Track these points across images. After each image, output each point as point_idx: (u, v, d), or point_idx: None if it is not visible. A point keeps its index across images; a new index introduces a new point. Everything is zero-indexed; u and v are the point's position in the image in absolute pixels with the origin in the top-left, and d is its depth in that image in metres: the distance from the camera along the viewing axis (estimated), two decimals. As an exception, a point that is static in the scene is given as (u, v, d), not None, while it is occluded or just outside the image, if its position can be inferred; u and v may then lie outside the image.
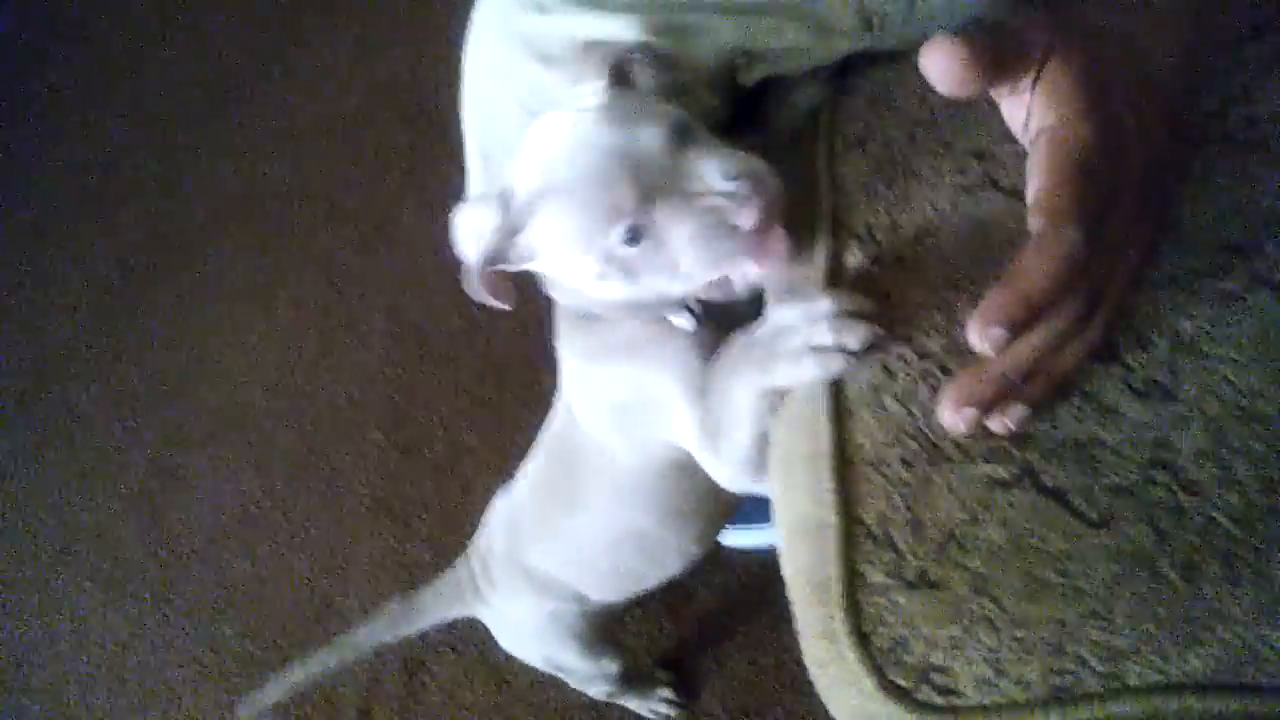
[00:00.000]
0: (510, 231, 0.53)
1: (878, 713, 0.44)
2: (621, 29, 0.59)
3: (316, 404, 1.40)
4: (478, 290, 0.53)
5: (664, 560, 0.77)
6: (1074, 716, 0.41)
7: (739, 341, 0.55)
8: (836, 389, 0.50)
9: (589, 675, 0.96)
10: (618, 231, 0.50)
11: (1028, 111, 0.45)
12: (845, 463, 0.48)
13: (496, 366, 1.31)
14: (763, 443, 0.55)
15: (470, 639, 1.14)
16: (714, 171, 0.49)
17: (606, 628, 0.90)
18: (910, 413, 0.47)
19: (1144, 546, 0.41)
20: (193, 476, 1.39)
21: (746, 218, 0.48)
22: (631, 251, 0.50)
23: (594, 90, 0.53)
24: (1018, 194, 0.50)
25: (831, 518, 0.47)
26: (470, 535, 0.85)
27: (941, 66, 0.41)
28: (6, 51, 2.08)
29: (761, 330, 0.53)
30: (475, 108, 0.71)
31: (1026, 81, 0.45)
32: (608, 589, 0.80)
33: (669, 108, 0.52)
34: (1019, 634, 0.42)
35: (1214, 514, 0.41)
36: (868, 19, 0.56)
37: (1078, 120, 0.43)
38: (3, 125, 1.94)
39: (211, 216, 1.67)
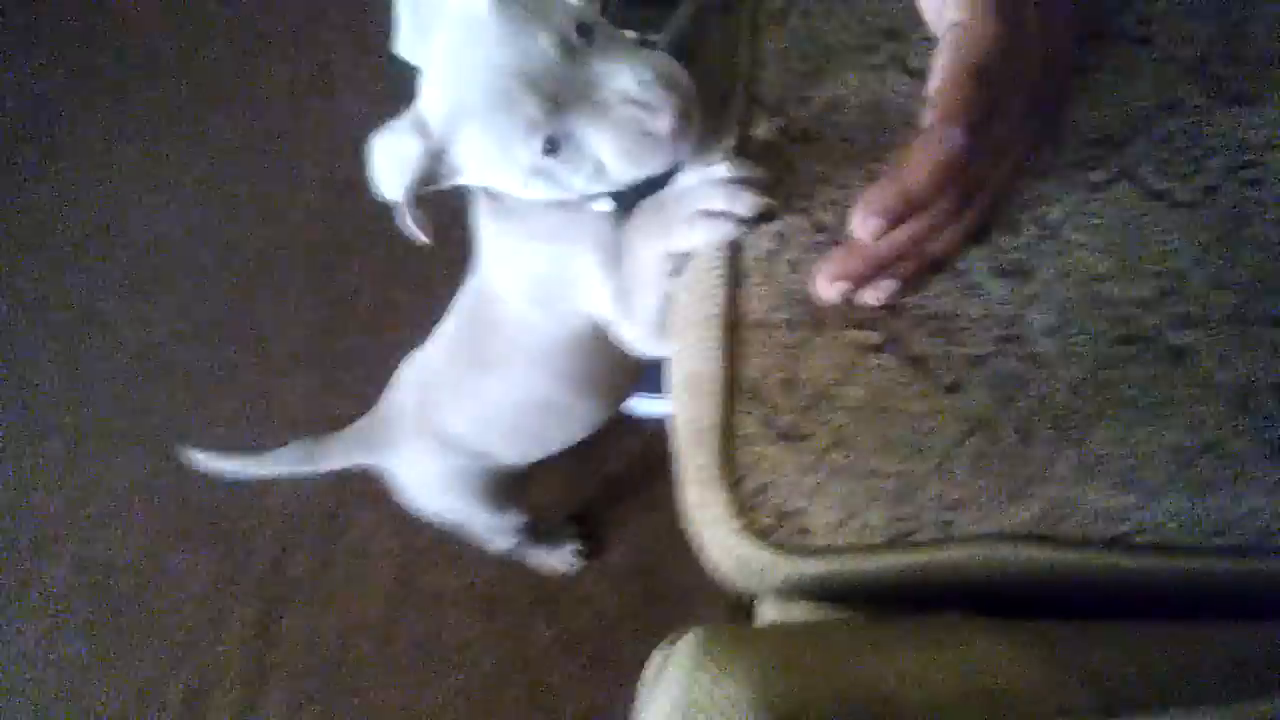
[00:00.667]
0: (435, 155, 0.53)
1: (743, 551, 0.49)
2: None
3: (244, 251, 1.39)
4: (408, 224, 0.54)
5: (570, 426, 0.80)
6: (912, 558, 0.46)
7: (646, 205, 0.56)
8: (733, 255, 0.52)
9: (494, 528, 1.00)
10: (534, 145, 0.51)
11: (942, 2, 0.46)
12: (734, 324, 0.51)
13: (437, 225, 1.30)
14: (667, 305, 0.58)
15: (386, 493, 1.18)
16: (624, 77, 0.50)
17: (513, 484, 0.93)
18: (799, 280, 0.50)
19: (987, 411, 0.45)
20: (115, 323, 1.38)
21: (663, 124, 0.50)
22: (552, 160, 0.51)
23: None
24: (923, 76, 0.52)
25: (717, 374, 0.50)
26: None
27: None
28: None
29: (666, 193, 0.55)
30: None
31: None
32: (515, 450, 0.83)
33: (567, 2, 0.52)
34: (870, 483, 0.46)
35: (1053, 385, 0.45)
36: None
37: (984, 17, 0.44)
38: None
39: (136, 50, 1.59)
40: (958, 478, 0.45)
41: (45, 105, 1.60)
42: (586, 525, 1.14)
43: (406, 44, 0.74)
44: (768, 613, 0.60)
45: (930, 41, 0.51)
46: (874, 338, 0.48)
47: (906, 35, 0.53)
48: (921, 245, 0.47)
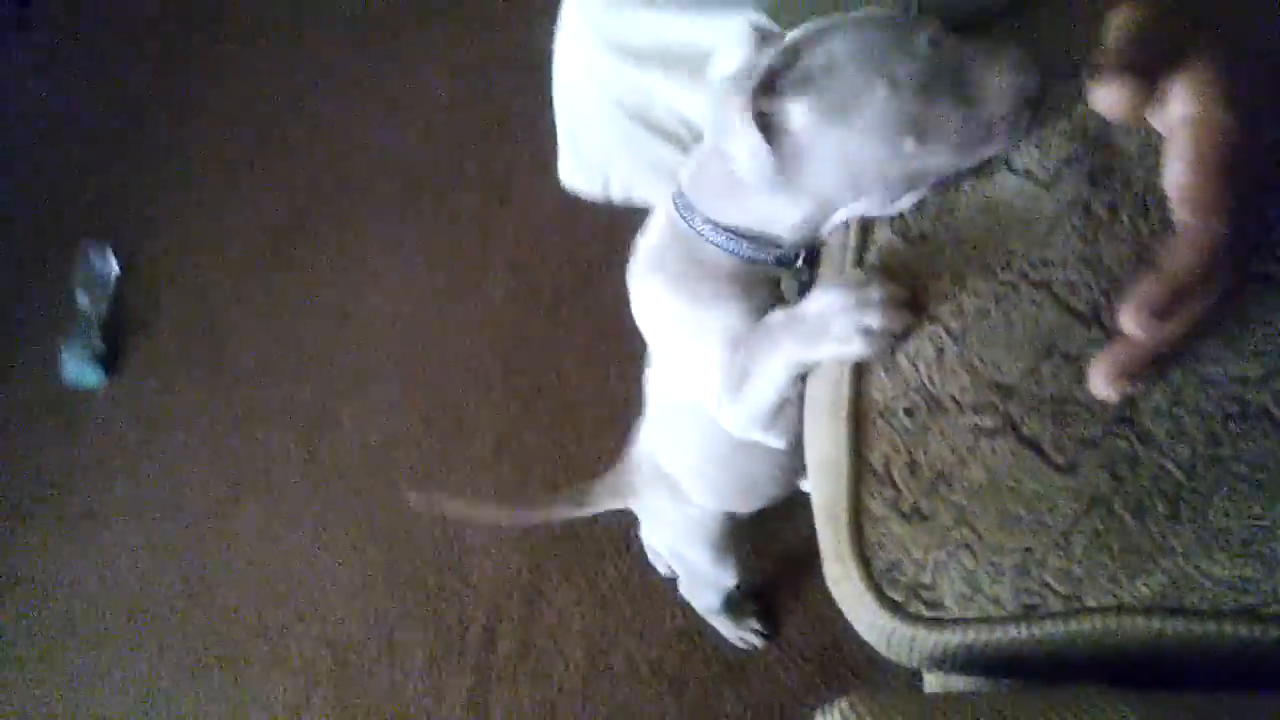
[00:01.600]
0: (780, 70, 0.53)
1: (883, 624, 0.53)
2: (711, 31, 0.65)
3: (444, 354, 1.55)
4: (746, 124, 0.53)
5: (758, 478, 0.85)
6: (1040, 630, 0.49)
7: (782, 316, 0.61)
8: None
9: (707, 579, 1.07)
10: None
11: (1166, 98, 0.46)
12: (860, 412, 0.56)
13: (605, 318, 1.42)
14: (780, 405, 0.63)
15: (583, 569, 1.27)
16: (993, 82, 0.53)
17: (733, 540, 1.00)
18: (917, 369, 0.55)
19: (1102, 490, 0.48)
20: (345, 421, 1.57)
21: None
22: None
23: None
24: (1029, 174, 0.56)
25: (844, 458, 0.55)
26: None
27: (1110, 101, 0.45)
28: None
29: (808, 308, 0.59)
30: (564, 95, 0.80)
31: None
32: (723, 499, 0.91)
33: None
34: (993, 559, 0.50)
35: (1164, 463, 0.47)
36: None
37: (1221, 110, 0.44)
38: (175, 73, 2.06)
39: (355, 181, 1.83)
40: (1077, 554, 0.48)
41: (302, 220, 1.84)
42: (764, 601, 1.18)
43: (567, 172, 0.85)
44: (931, 683, 0.63)
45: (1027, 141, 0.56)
46: (989, 422, 0.51)
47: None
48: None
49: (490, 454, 1.44)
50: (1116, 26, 0.46)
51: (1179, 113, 0.45)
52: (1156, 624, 0.47)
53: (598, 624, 1.27)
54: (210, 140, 1.88)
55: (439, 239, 1.64)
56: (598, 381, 1.39)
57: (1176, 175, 0.45)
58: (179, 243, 1.79)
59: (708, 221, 0.63)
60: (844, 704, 0.48)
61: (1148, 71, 0.45)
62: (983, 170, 0.58)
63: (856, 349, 0.56)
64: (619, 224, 0.71)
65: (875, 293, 0.56)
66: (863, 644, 0.57)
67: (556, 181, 0.66)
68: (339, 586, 1.45)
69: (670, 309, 0.67)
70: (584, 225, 1.50)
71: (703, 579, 1.07)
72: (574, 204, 0.65)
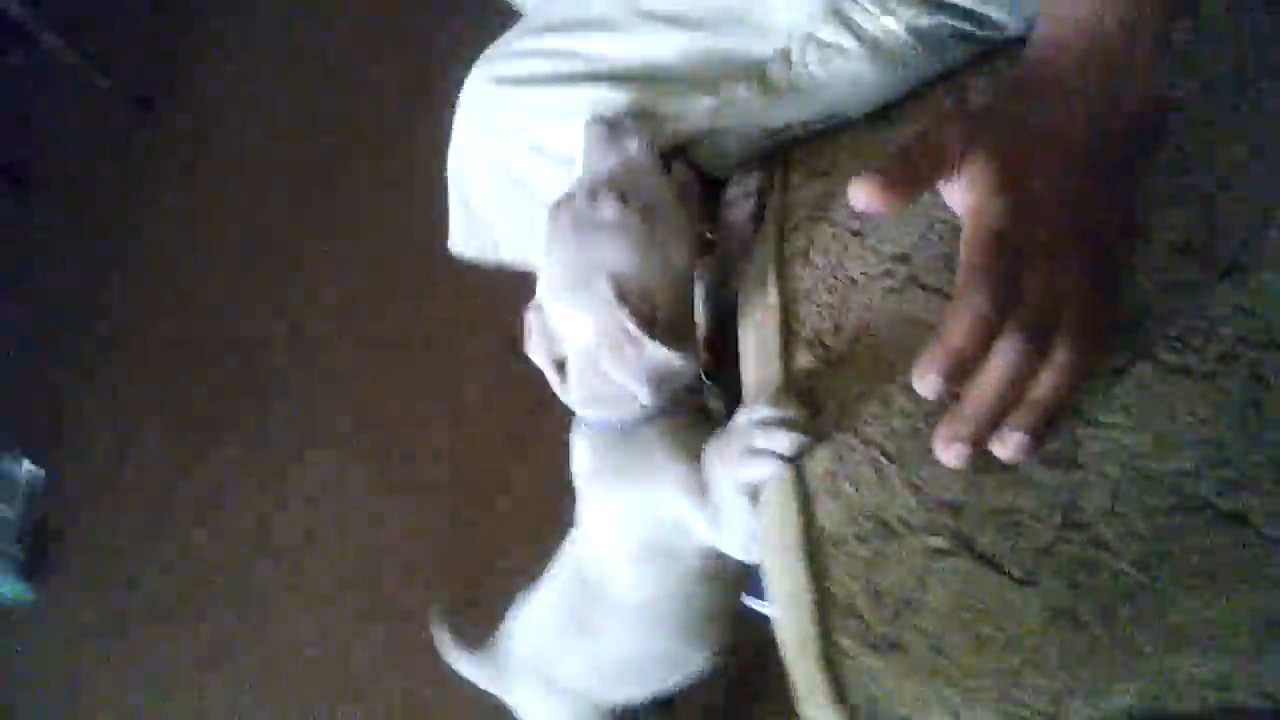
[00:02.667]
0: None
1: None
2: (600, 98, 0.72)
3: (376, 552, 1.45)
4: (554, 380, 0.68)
5: (685, 666, 0.83)
6: (1027, 751, 0.48)
7: (715, 439, 0.63)
8: (799, 478, 0.57)
9: None
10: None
11: (959, 195, 0.52)
12: (813, 543, 0.55)
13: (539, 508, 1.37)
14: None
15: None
16: None
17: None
18: (860, 494, 0.54)
19: (1065, 598, 0.48)
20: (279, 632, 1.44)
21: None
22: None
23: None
24: (938, 291, 0.58)
25: (806, 593, 0.54)
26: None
27: (866, 199, 0.50)
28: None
29: (730, 427, 0.61)
30: (456, 164, 0.84)
31: (954, 171, 0.51)
32: (621, 694, 0.87)
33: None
34: (970, 684, 0.48)
35: (1119, 564, 0.47)
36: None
37: (990, 197, 0.50)
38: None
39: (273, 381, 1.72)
40: (1052, 667, 0.47)
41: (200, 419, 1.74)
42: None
43: (458, 241, 0.88)
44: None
45: (937, 259, 0.57)
46: (941, 542, 0.51)
47: (915, 258, 0.59)
48: (1019, 394, 0.49)
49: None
50: (899, 145, 0.51)
51: (960, 205, 0.52)
52: (1146, 732, 0.46)
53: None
54: (127, 341, 1.82)
55: (364, 431, 1.58)
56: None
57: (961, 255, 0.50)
58: (101, 449, 1.72)
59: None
60: None
61: (909, 171, 0.50)
62: (895, 290, 0.60)
63: (754, 469, 0.58)
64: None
65: (760, 413, 0.59)
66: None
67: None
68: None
69: (627, 501, 0.70)
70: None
71: None
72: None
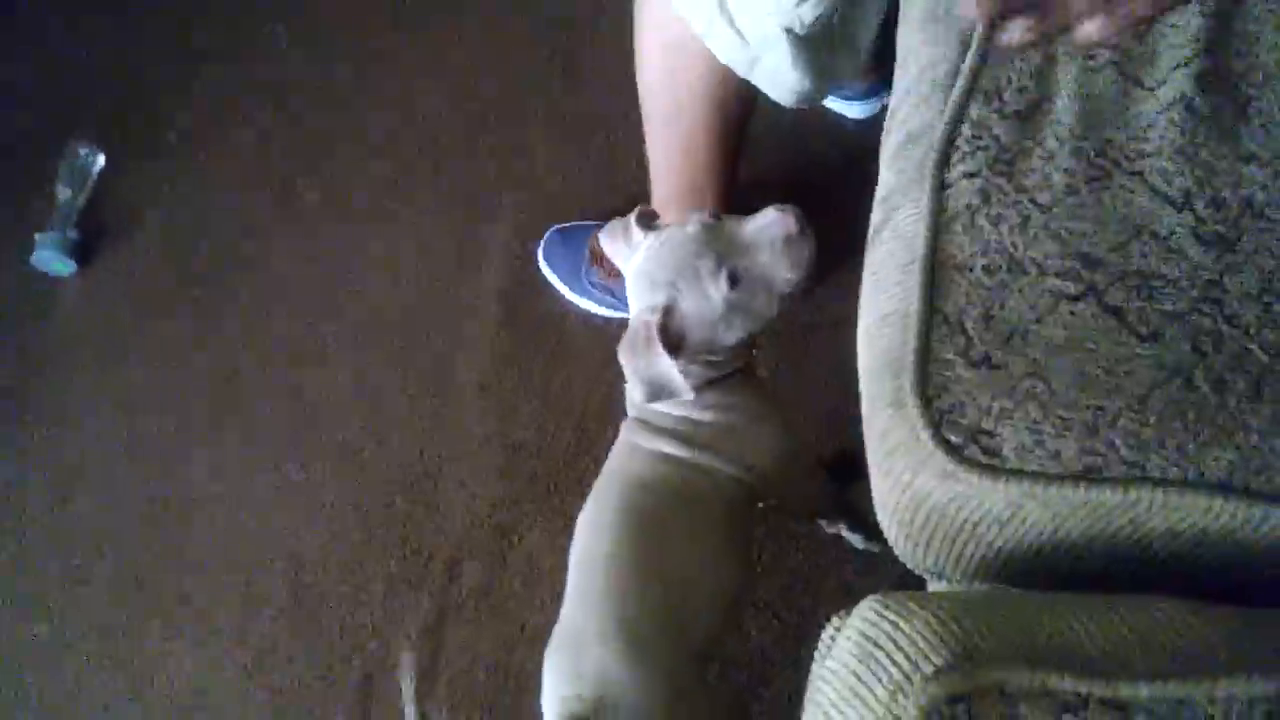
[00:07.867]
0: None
1: (926, 478, 0.51)
2: None
3: (435, 309, 1.50)
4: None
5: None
6: (1095, 496, 0.48)
7: None
8: (937, 209, 0.57)
9: None
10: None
11: None
12: (936, 266, 0.55)
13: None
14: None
15: (559, 513, 1.24)
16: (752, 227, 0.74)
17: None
18: (999, 231, 0.54)
19: (1184, 360, 0.48)
20: (331, 359, 1.51)
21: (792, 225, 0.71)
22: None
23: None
24: (1119, 317, 0.52)
25: (916, 306, 0.54)
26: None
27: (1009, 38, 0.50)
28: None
29: None
30: None
31: None
32: None
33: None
34: (1062, 413, 0.49)
35: (1249, 344, 0.48)
36: None
37: None
38: None
39: (359, 144, 1.74)
40: (1151, 419, 0.48)
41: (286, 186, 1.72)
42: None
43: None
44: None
45: (1133, 277, 0.54)
46: (1071, 288, 0.52)
47: (1107, 267, 0.59)
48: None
49: (474, 393, 1.42)
50: None
51: None
52: (1217, 505, 0.46)
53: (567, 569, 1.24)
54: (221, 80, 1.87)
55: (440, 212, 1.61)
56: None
57: None
58: (182, 161, 1.79)
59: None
60: (870, 602, 0.42)
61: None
62: (1085, 69, 0.60)
63: None
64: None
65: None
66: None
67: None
68: (301, 502, 1.41)
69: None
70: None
71: None
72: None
